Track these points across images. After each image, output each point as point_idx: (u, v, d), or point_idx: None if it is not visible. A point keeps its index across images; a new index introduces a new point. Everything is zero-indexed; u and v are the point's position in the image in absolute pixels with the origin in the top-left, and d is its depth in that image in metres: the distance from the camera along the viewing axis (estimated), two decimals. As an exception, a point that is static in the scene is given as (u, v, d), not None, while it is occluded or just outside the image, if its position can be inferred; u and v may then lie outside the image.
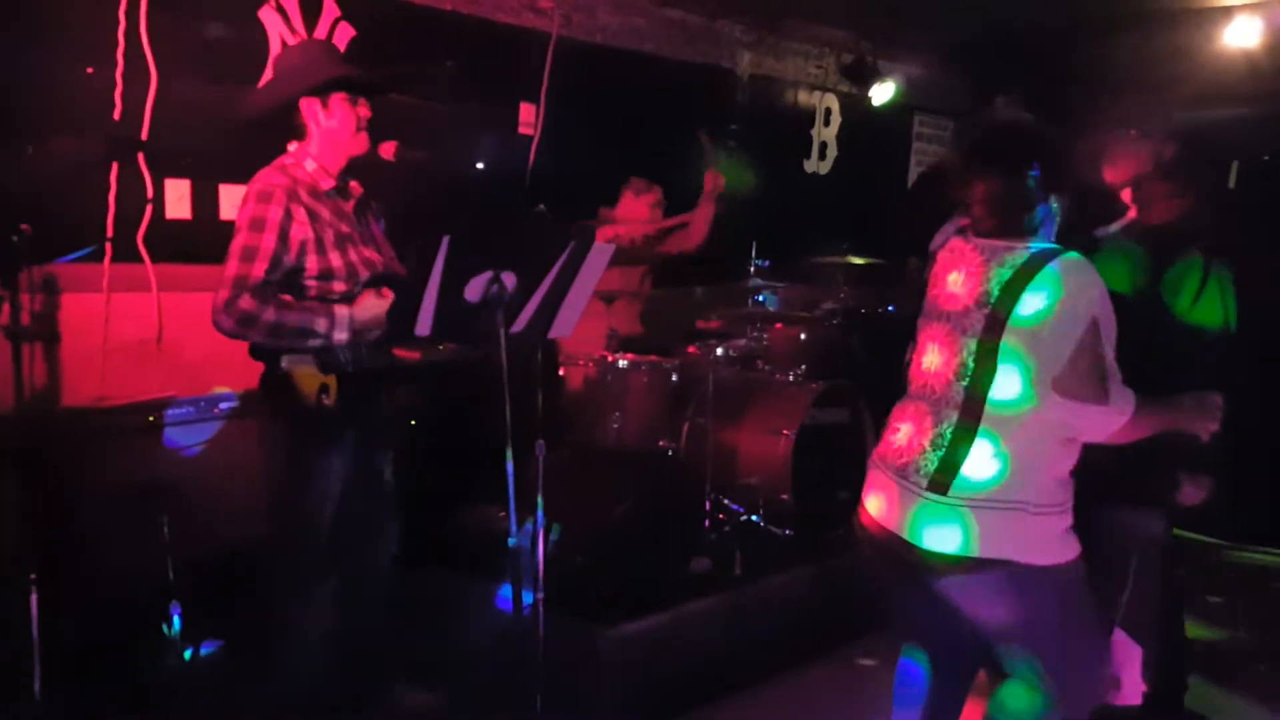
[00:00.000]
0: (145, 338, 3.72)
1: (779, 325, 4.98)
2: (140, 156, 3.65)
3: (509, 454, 2.53)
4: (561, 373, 4.42)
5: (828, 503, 4.19)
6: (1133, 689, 2.92)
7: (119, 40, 3.54)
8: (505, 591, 3.12)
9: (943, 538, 2.23)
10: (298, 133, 2.79)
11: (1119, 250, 2.90)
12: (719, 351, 4.42)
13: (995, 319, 2.19)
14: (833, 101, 6.72)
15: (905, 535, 2.29)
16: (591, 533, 3.71)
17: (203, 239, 3.70)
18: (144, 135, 3.63)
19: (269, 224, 2.63)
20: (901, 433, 2.39)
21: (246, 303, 2.58)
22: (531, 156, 4.96)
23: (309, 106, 2.76)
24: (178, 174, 3.76)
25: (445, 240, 2.36)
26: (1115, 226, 3.03)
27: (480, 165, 4.72)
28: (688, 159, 5.05)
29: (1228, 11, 5.70)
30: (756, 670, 3.56)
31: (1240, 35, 5.66)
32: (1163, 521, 2.95)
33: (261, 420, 2.86)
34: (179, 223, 3.78)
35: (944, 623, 2.37)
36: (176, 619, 3.26)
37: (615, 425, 4.23)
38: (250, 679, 3.01)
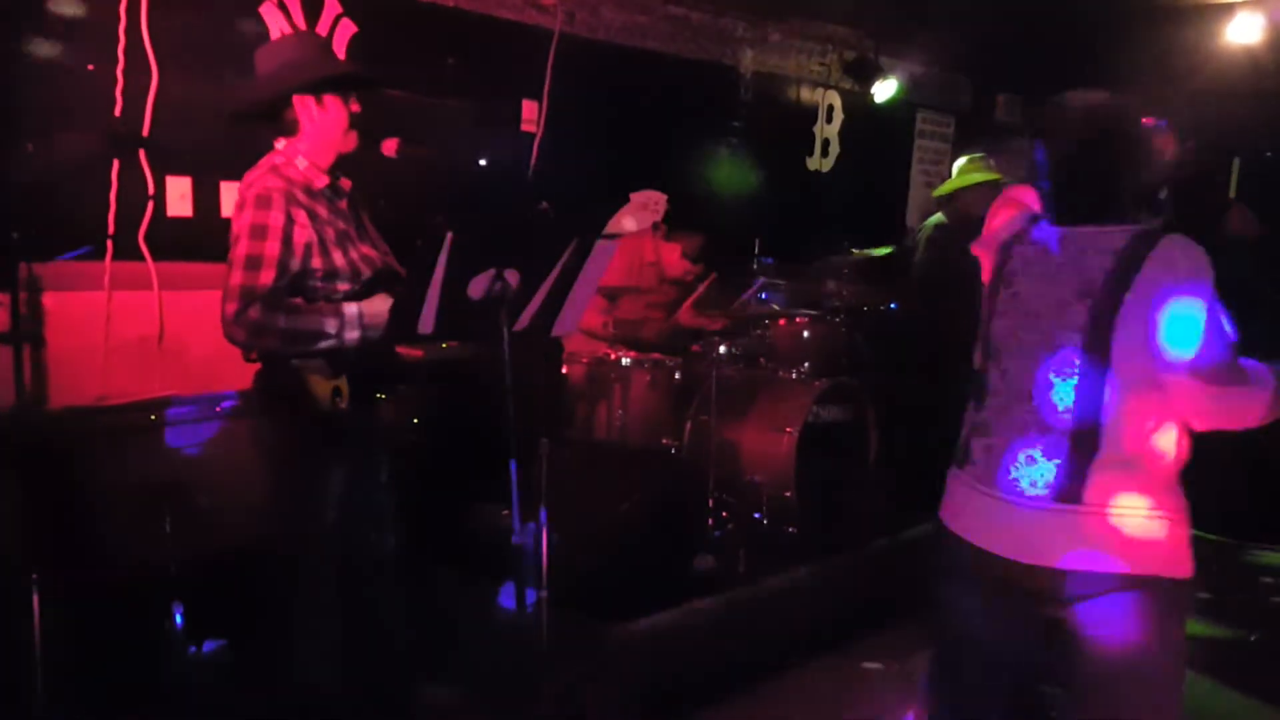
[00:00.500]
0: (146, 336, 3.70)
1: (782, 322, 4.96)
2: (141, 153, 3.64)
3: (512, 452, 2.52)
4: (564, 370, 4.41)
5: (831, 501, 4.19)
6: None
7: (120, 36, 3.53)
8: (509, 590, 3.11)
9: (1081, 555, 1.97)
10: (288, 129, 2.71)
11: None
12: (722, 349, 4.41)
13: (1101, 310, 1.98)
14: (835, 98, 6.71)
15: (1028, 559, 2.01)
16: (595, 531, 3.70)
17: (204, 236, 3.69)
18: (145, 132, 3.62)
19: (271, 230, 2.56)
20: (996, 443, 2.12)
21: (256, 313, 2.52)
22: (534, 154, 4.95)
23: (302, 102, 2.68)
24: (179, 171, 3.74)
25: (449, 237, 2.34)
26: None
27: (483, 162, 4.71)
28: (690, 156, 5.04)
29: (1230, 8, 5.70)
30: (760, 668, 3.55)
31: (1242, 32, 5.66)
32: None
33: (264, 419, 2.84)
34: (180, 220, 3.76)
35: (1012, 667, 2.15)
36: (179, 618, 3.25)
37: (618, 423, 4.23)
38: (252, 677, 3.01)
